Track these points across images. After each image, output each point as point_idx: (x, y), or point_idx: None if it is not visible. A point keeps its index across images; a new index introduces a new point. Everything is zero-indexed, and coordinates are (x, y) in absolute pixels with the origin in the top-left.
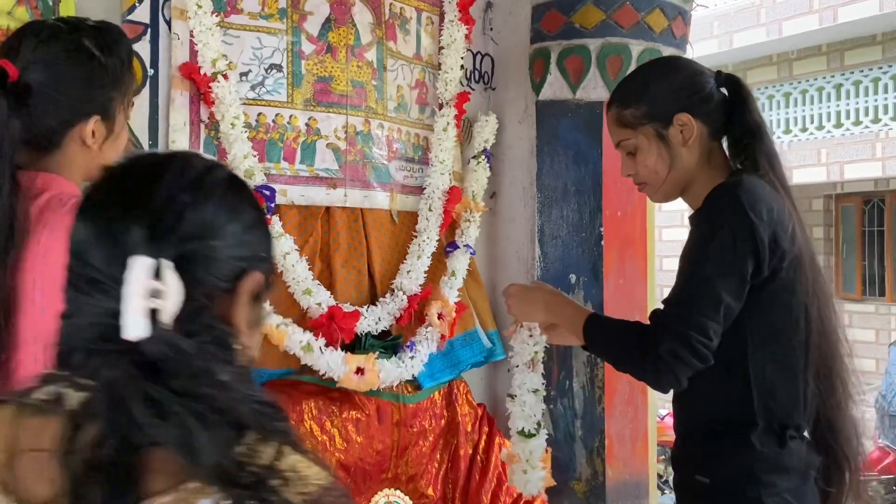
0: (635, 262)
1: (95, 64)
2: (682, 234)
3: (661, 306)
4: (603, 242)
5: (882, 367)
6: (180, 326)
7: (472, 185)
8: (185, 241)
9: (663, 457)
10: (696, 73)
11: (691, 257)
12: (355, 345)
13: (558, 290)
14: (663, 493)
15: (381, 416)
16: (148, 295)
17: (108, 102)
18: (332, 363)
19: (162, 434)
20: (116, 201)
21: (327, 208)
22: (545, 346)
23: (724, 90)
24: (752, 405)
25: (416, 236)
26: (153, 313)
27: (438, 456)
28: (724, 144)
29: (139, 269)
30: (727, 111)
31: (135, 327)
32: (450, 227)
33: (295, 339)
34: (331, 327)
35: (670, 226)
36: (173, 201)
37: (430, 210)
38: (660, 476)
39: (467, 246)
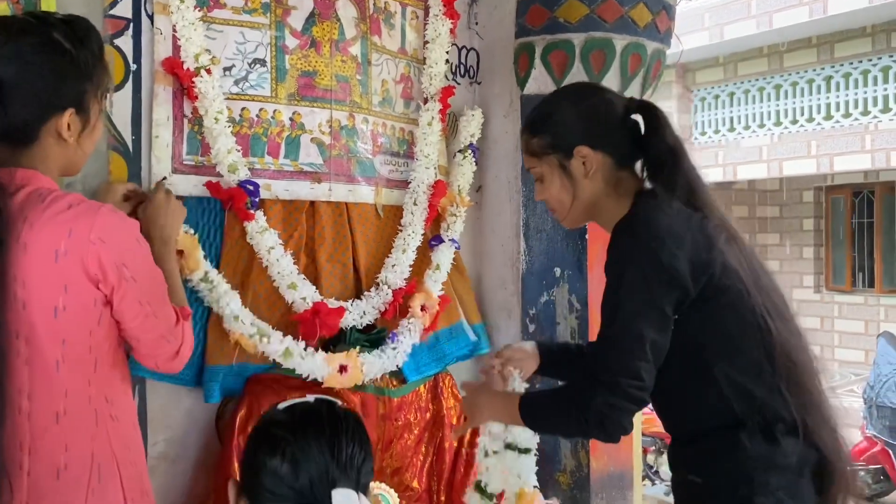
0: None
1: (67, 57)
2: None
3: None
4: (587, 236)
5: (871, 358)
6: None
7: (457, 179)
8: None
9: (653, 447)
10: (603, 104)
11: (607, 302)
12: (340, 338)
13: (491, 390)
14: (653, 484)
15: (367, 410)
16: None
17: (82, 95)
18: (315, 366)
19: None
20: None
21: (312, 203)
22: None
23: (636, 116)
24: (733, 408)
25: (401, 230)
26: None
27: (423, 449)
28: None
29: None
30: (639, 138)
31: None
32: (435, 220)
33: (272, 348)
34: (314, 323)
35: None
36: None
37: (415, 204)
38: (650, 466)
39: (452, 240)
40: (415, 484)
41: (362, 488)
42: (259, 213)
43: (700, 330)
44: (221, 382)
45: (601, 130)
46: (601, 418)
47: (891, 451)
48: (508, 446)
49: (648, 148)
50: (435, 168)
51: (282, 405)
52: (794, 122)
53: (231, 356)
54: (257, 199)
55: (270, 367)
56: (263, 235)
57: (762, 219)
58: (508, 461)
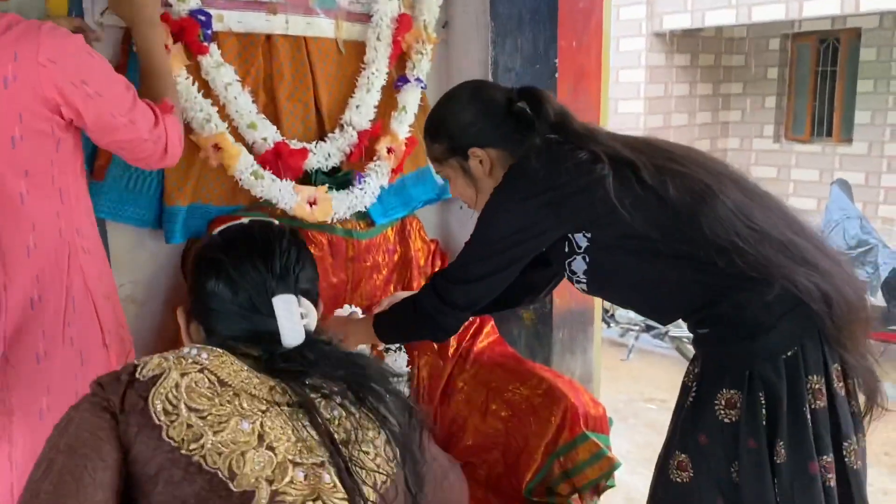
0: (589, 96)
1: None
2: (639, 75)
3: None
4: (557, 75)
5: (823, 206)
6: None
7: (422, 13)
8: None
9: None
10: (488, 102)
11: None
12: (305, 182)
13: (351, 318)
14: (609, 326)
15: (335, 252)
16: None
17: None
18: (284, 192)
19: None
20: None
21: (268, 37)
22: None
23: (521, 104)
24: (702, 281)
25: (364, 68)
26: None
27: (392, 288)
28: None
29: None
30: (529, 119)
31: None
32: (399, 59)
33: (247, 161)
34: (276, 164)
35: (627, 67)
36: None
37: (378, 40)
38: (606, 311)
39: (418, 80)
40: None
41: (302, 293)
42: (213, 47)
43: (633, 231)
44: (184, 224)
45: (489, 128)
46: (429, 319)
47: None
48: None
49: (539, 126)
50: (399, 0)
51: (216, 229)
52: None
53: (187, 195)
54: (210, 31)
55: (234, 208)
56: (219, 70)
57: (727, 67)
58: None
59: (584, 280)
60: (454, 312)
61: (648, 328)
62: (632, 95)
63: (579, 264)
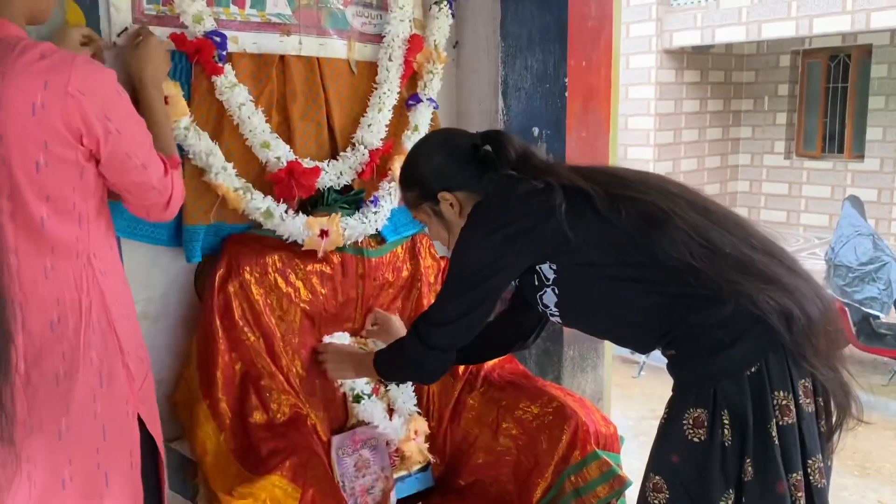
0: (598, 115)
1: None
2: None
3: None
4: (567, 94)
5: (835, 223)
6: None
7: (433, 33)
8: None
9: None
10: (454, 148)
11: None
12: (318, 200)
13: (354, 349)
14: None
15: (346, 270)
16: None
17: None
18: (295, 229)
19: None
20: None
21: (282, 57)
22: None
23: (486, 147)
24: (661, 305)
25: (375, 88)
26: None
27: (400, 304)
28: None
29: None
30: (493, 161)
31: None
32: (411, 78)
33: (254, 205)
34: (289, 183)
35: (637, 83)
36: None
37: (390, 60)
38: None
39: (430, 99)
40: None
41: None
42: (228, 67)
43: (593, 259)
44: (202, 242)
45: (456, 173)
46: (415, 364)
47: (847, 310)
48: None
49: (500, 166)
50: (410, 21)
51: None
52: None
53: (209, 215)
54: (225, 52)
55: (247, 227)
56: (234, 91)
57: (737, 84)
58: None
59: (558, 313)
60: (437, 354)
61: None
62: (642, 112)
63: (550, 297)
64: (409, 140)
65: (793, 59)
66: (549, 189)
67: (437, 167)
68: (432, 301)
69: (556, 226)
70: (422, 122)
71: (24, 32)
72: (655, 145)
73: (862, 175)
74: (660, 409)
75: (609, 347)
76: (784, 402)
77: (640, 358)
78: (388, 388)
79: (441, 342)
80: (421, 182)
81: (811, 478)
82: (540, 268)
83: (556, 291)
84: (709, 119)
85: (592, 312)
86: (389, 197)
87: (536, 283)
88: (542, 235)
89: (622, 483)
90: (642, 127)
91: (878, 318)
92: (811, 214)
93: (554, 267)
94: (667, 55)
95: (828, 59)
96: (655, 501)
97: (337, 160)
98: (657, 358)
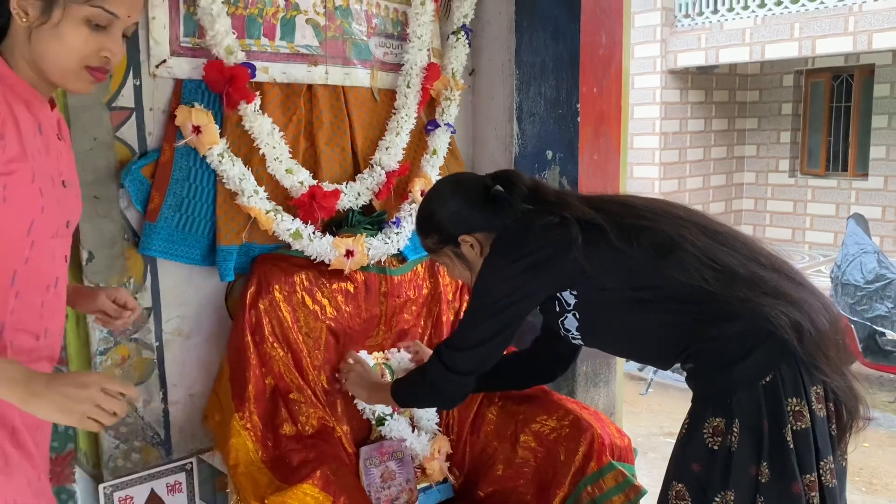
0: (609, 138)
1: None
2: (654, 111)
3: None
4: (579, 119)
5: (840, 240)
6: None
7: (451, 62)
8: None
9: None
10: (466, 192)
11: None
12: (342, 221)
13: (373, 376)
14: (627, 361)
15: (369, 288)
16: None
17: None
18: (322, 249)
19: None
20: None
21: (309, 86)
22: None
23: (498, 187)
24: (678, 323)
25: (394, 113)
26: None
27: (422, 322)
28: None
29: None
30: (507, 200)
31: None
32: (429, 104)
33: (283, 226)
34: (311, 206)
35: (642, 103)
36: None
37: (408, 87)
38: None
39: (448, 124)
40: None
41: None
42: (256, 95)
43: (609, 286)
44: (235, 262)
45: (473, 215)
46: (435, 388)
47: (853, 327)
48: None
49: (514, 203)
50: (428, 50)
51: None
52: (779, 3)
53: (241, 236)
54: (252, 82)
55: (275, 247)
56: (260, 119)
57: (742, 103)
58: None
59: (579, 336)
60: (459, 378)
61: None
62: (647, 131)
63: (571, 322)
64: (428, 163)
65: (796, 78)
66: (566, 223)
67: (453, 212)
68: (451, 318)
69: (574, 257)
70: (440, 146)
71: (11, 74)
72: (661, 164)
73: (866, 193)
74: (667, 426)
75: (620, 364)
76: (798, 408)
77: (648, 375)
78: None
79: (463, 367)
80: (440, 228)
81: (823, 478)
82: (561, 294)
83: (578, 316)
84: (713, 138)
85: (613, 333)
86: (410, 218)
87: (558, 309)
88: (562, 266)
89: (637, 492)
90: (648, 146)
91: (883, 335)
92: (816, 232)
93: (574, 293)
94: (671, 75)
95: (831, 79)
96: None
97: (355, 181)
98: (664, 375)
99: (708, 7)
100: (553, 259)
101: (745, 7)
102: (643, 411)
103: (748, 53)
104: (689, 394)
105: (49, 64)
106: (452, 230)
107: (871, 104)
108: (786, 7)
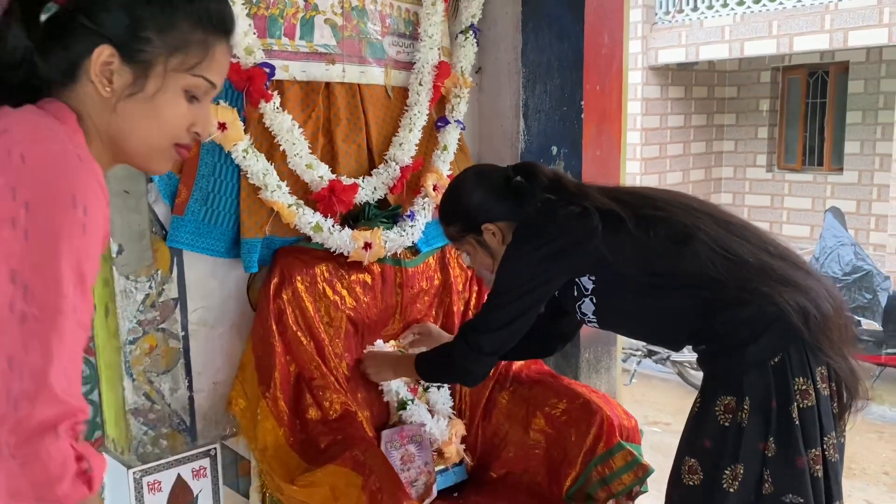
0: (611, 135)
1: None
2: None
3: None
4: (583, 116)
5: (817, 233)
6: None
7: (460, 60)
8: None
9: None
10: (489, 182)
11: (495, 281)
12: (359, 215)
13: (393, 353)
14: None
15: (385, 279)
16: None
17: (136, 35)
18: (342, 241)
19: None
20: None
21: (327, 84)
22: None
23: (519, 178)
24: (693, 308)
25: (407, 110)
26: None
27: (434, 312)
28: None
29: None
30: (528, 191)
31: None
32: (439, 102)
33: (305, 219)
34: (331, 199)
35: (632, 98)
36: None
37: (420, 85)
38: None
39: (458, 121)
40: None
41: None
42: (275, 94)
43: (628, 273)
44: (259, 254)
45: (495, 204)
46: (459, 365)
47: None
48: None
49: (536, 193)
50: (439, 49)
51: None
52: (757, 1)
53: (263, 229)
54: (272, 81)
55: (296, 239)
56: (280, 116)
57: (720, 99)
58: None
59: (595, 319)
60: (482, 358)
61: (650, 353)
62: (629, 127)
63: (588, 306)
64: (439, 158)
65: (773, 75)
66: (587, 212)
67: (477, 202)
68: (461, 308)
69: (594, 246)
70: (450, 141)
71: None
72: (642, 159)
73: (841, 187)
74: (651, 415)
75: (619, 351)
76: (804, 388)
77: (632, 366)
78: (426, 389)
79: (487, 347)
80: (464, 217)
81: (826, 453)
82: (579, 280)
83: (594, 301)
84: (693, 133)
85: (627, 317)
86: (424, 211)
87: (576, 293)
88: (583, 254)
89: (645, 471)
90: (629, 141)
91: (859, 324)
92: (793, 226)
93: (593, 279)
94: (652, 72)
95: (807, 76)
96: (690, 482)
97: (371, 176)
98: (647, 366)
99: (688, 5)
100: (574, 247)
101: (725, 5)
102: (627, 401)
103: (727, 50)
104: (672, 384)
105: (137, 141)
106: (476, 219)
107: (846, 100)
108: (764, 5)
